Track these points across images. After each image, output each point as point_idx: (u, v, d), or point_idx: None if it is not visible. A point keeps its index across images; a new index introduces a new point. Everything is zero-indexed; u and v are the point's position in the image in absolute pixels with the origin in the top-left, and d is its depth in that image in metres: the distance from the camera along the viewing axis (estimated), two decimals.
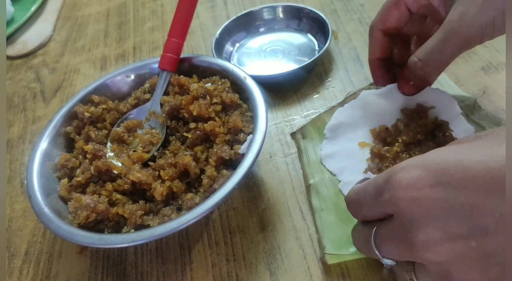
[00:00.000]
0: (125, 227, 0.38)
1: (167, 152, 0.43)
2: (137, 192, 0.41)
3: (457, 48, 0.33)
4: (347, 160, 0.41)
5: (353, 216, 0.31)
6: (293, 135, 0.47)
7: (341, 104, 0.46)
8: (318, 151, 0.44)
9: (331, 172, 0.42)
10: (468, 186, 0.23)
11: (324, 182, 0.41)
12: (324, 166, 0.42)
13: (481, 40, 0.33)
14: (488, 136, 0.26)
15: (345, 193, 0.39)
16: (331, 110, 0.47)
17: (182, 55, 0.49)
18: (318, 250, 0.37)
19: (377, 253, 0.27)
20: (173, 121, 0.45)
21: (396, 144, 0.39)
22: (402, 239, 0.25)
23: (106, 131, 0.46)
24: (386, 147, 0.39)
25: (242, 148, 0.40)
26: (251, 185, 0.44)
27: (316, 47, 0.57)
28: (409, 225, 0.24)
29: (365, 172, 0.40)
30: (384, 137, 0.41)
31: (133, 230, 0.37)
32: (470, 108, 0.43)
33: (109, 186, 0.40)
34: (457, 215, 0.23)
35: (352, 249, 0.34)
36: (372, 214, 0.28)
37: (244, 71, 0.45)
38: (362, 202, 0.28)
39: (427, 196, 0.24)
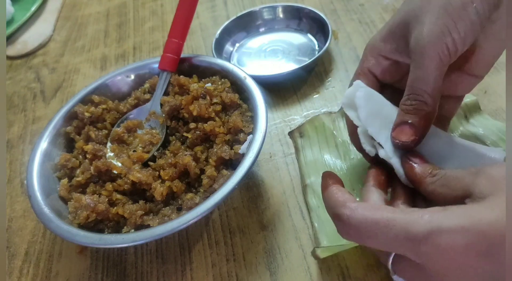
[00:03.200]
0: (125, 227, 0.38)
1: (167, 152, 0.43)
2: (137, 192, 0.41)
3: (433, 68, 0.31)
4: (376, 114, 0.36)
5: (351, 240, 0.28)
6: (290, 134, 0.47)
7: (339, 113, 0.46)
8: (315, 150, 0.44)
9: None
10: None
11: (320, 181, 0.41)
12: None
13: (449, 51, 0.31)
14: None
15: (362, 139, 0.35)
16: (330, 114, 0.47)
17: (182, 55, 0.49)
18: (314, 245, 0.37)
19: (391, 271, 0.27)
20: (173, 121, 0.45)
21: None
22: None
23: (106, 131, 0.46)
24: None
25: (242, 148, 0.40)
26: (251, 185, 0.44)
27: (316, 47, 0.57)
28: None
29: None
30: None
31: (133, 230, 0.37)
32: (470, 109, 0.43)
33: (109, 186, 0.40)
34: None
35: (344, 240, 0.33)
36: (387, 249, 0.27)
37: (244, 71, 0.45)
38: (379, 236, 0.26)
39: (473, 266, 0.23)
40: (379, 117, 0.34)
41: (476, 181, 0.26)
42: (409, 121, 0.32)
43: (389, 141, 0.33)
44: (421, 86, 0.31)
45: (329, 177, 0.32)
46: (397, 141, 0.32)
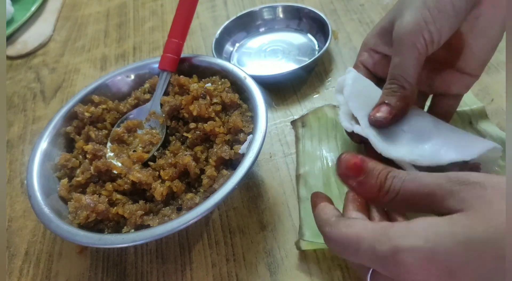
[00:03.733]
0: (125, 227, 0.38)
1: (167, 152, 0.43)
2: (137, 192, 0.41)
3: (411, 57, 0.33)
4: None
5: (336, 253, 0.30)
6: (293, 123, 0.48)
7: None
8: (315, 141, 0.44)
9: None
10: None
11: (314, 172, 0.42)
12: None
13: (426, 42, 0.32)
14: (496, 198, 0.24)
15: (341, 117, 0.37)
16: (334, 107, 0.47)
17: (182, 55, 0.49)
18: (299, 235, 0.38)
19: None
20: (173, 121, 0.45)
21: None
22: None
23: (106, 131, 0.46)
24: None
25: (242, 148, 0.40)
26: (251, 185, 0.44)
27: (316, 47, 0.57)
28: None
29: None
30: None
31: (133, 230, 0.37)
32: (476, 115, 0.42)
33: (109, 186, 0.40)
34: None
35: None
36: (363, 263, 0.27)
37: (244, 71, 0.46)
38: (351, 253, 0.27)
39: None
40: (362, 96, 0.37)
41: (445, 197, 0.25)
42: (386, 102, 0.34)
43: (365, 118, 0.36)
44: (400, 72, 0.34)
45: (316, 197, 0.33)
46: (372, 117, 0.35)
